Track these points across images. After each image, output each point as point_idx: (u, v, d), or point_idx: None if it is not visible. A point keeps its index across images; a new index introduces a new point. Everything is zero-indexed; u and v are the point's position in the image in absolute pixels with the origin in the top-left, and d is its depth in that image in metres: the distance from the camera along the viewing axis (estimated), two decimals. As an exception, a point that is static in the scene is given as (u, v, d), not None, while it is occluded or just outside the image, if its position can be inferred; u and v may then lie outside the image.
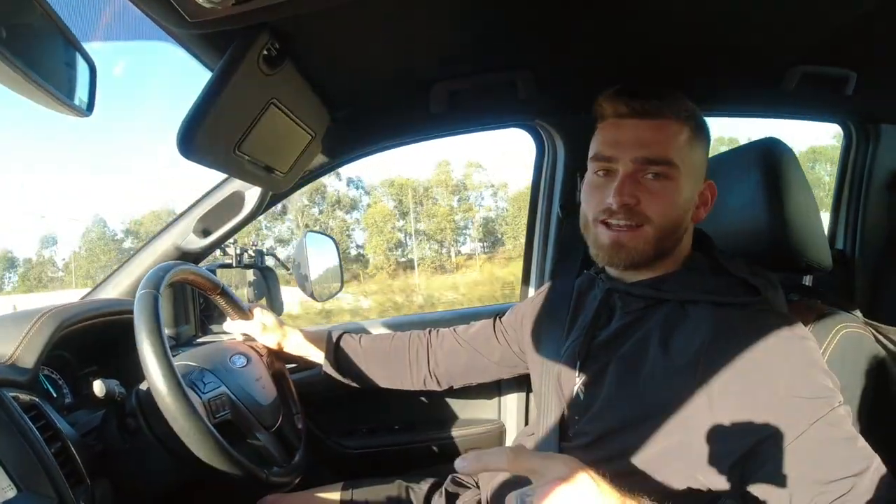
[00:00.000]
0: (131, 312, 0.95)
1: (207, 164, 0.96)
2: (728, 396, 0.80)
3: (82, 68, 0.77)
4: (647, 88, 0.94)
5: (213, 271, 1.58)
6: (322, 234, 1.65)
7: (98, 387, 0.97)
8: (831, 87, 1.38)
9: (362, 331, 1.60)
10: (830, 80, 1.36)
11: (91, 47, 0.81)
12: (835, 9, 1.05)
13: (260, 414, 1.10)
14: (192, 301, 1.61)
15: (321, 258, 1.60)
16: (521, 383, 1.59)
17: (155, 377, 0.90)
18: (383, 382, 1.34)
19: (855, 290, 1.75)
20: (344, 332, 1.36)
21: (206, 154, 0.93)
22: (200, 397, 1.02)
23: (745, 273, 0.91)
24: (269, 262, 1.71)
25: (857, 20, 1.09)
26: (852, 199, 1.76)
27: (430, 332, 1.35)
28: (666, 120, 0.92)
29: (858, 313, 1.07)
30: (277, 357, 1.33)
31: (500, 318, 1.31)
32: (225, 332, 1.41)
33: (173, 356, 1.34)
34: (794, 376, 0.79)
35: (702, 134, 0.96)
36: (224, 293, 1.24)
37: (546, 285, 1.28)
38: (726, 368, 0.81)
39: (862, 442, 0.77)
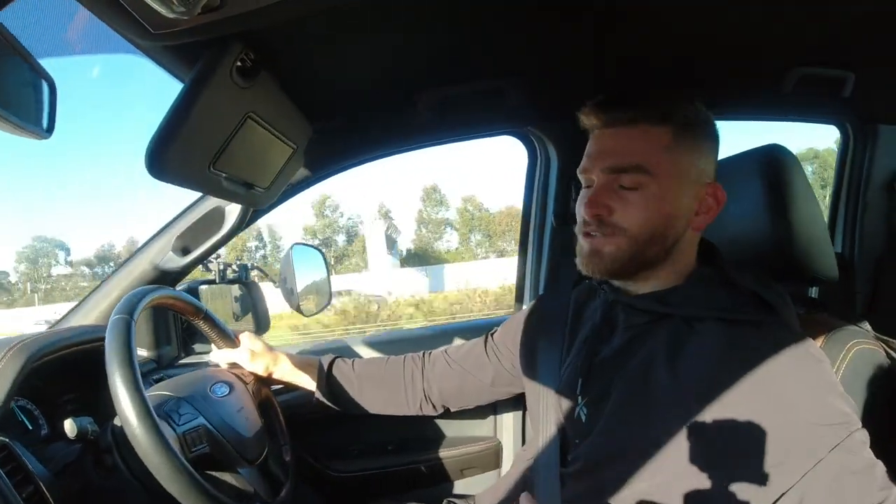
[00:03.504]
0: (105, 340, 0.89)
1: (180, 184, 0.90)
2: (742, 422, 0.77)
3: (40, 87, 0.72)
4: (622, 97, 0.91)
5: (196, 288, 1.53)
6: (310, 246, 1.60)
7: (69, 427, 0.92)
8: (829, 89, 1.36)
9: (352, 351, 1.55)
10: (828, 81, 1.34)
11: (53, 63, 0.76)
12: (832, 11, 1.02)
13: (242, 447, 1.03)
14: (174, 320, 1.55)
15: (308, 271, 1.55)
16: (518, 398, 1.52)
17: (125, 409, 0.84)
18: (378, 408, 1.29)
19: (855, 293, 1.72)
20: (336, 357, 1.30)
21: (179, 173, 0.87)
22: (175, 430, 0.96)
23: (756, 287, 0.87)
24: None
25: (854, 21, 1.07)
26: (850, 202, 1.73)
27: (423, 354, 1.30)
28: (638, 127, 0.88)
29: (867, 325, 1.03)
30: (265, 383, 1.27)
31: (491, 335, 1.26)
32: (210, 352, 1.35)
33: (155, 378, 1.29)
34: (811, 402, 0.76)
35: (692, 135, 0.90)
36: (207, 318, 1.17)
37: (539, 298, 1.23)
38: (740, 392, 0.77)
39: (881, 469, 0.74)
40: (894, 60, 1.25)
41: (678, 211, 0.89)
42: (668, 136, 0.87)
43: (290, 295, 1.48)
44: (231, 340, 1.24)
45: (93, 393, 1.17)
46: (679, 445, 0.80)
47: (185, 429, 0.97)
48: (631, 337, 0.91)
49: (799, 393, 0.76)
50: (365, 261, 47.33)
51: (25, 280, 55.56)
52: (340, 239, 54.06)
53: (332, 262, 51.11)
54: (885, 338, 1.00)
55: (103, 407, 1.00)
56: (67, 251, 58.83)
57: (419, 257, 50.38)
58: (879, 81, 1.38)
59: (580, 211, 0.92)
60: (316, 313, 1.58)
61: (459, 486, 1.57)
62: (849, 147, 1.70)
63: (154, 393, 1.04)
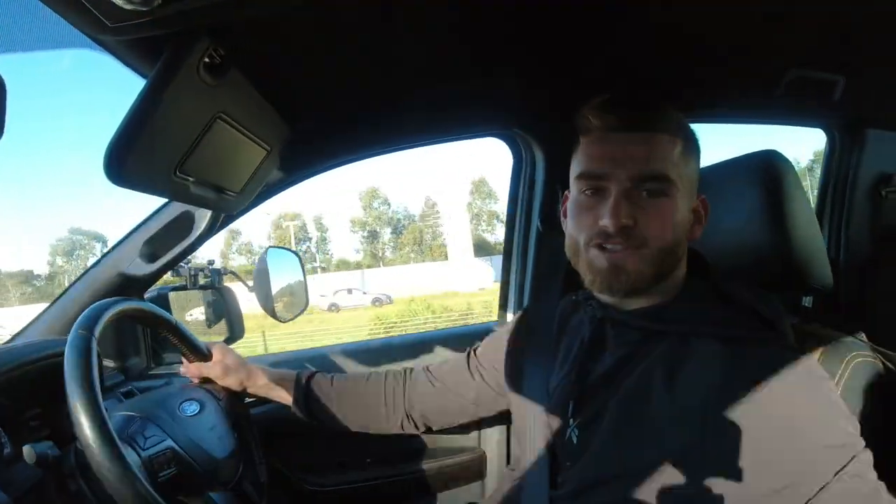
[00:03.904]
0: None
1: (143, 190, 0.83)
2: (744, 444, 0.73)
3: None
4: (636, 98, 0.86)
5: (165, 295, 1.46)
6: (285, 249, 1.56)
7: (28, 453, 0.85)
8: (819, 92, 1.34)
9: (331, 361, 1.50)
10: (818, 84, 1.32)
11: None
12: (824, 15, 1.00)
13: (214, 469, 0.97)
14: (143, 329, 1.48)
15: (284, 275, 1.49)
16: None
17: (86, 436, 0.78)
18: (357, 426, 1.24)
19: (840, 297, 1.70)
20: (314, 372, 1.24)
21: (141, 178, 0.81)
22: (139, 454, 0.90)
23: (753, 301, 0.83)
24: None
25: (845, 25, 1.05)
26: (836, 206, 1.71)
27: (405, 370, 1.25)
28: (659, 132, 0.83)
29: (863, 336, 1.00)
30: (239, 398, 1.21)
31: (474, 351, 1.21)
32: (180, 363, 1.28)
33: (122, 391, 1.23)
34: (816, 424, 0.73)
35: (693, 147, 0.88)
36: (177, 331, 1.11)
37: (524, 311, 1.18)
38: (743, 413, 0.74)
39: (885, 493, 0.71)
40: (884, 64, 1.23)
41: (687, 222, 0.86)
42: (681, 144, 0.84)
43: (265, 300, 1.42)
44: (202, 353, 1.17)
45: (57, 409, 1.11)
46: (677, 468, 0.76)
47: (151, 452, 0.92)
48: (623, 355, 0.86)
49: (803, 414, 0.73)
50: (416, 252, 48.74)
51: (62, 273, 54.53)
52: (387, 231, 54.52)
53: (381, 255, 51.33)
54: (882, 349, 0.98)
55: (69, 425, 0.94)
56: (104, 243, 58.07)
57: (478, 248, 50.67)
58: (868, 85, 1.36)
59: (591, 221, 0.85)
60: (291, 319, 1.53)
61: (443, 500, 1.52)
62: (835, 151, 1.68)
63: (119, 414, 0.98)
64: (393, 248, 52.97)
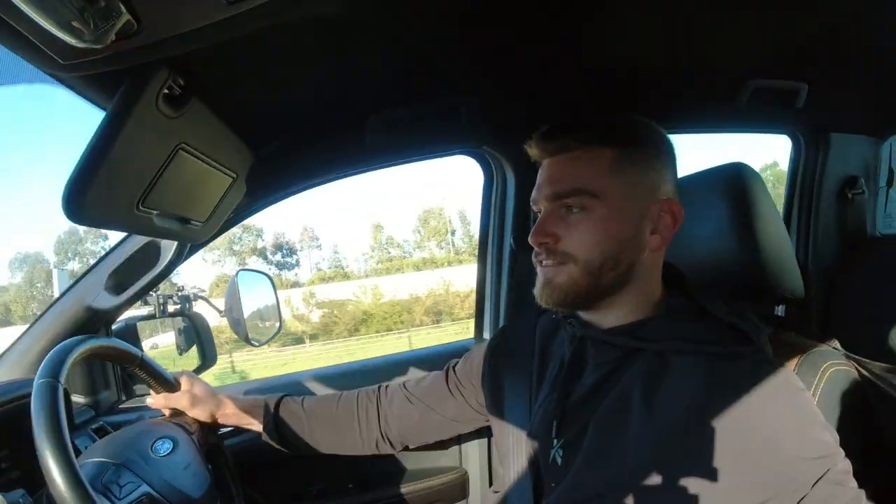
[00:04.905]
0: None
1: (104, 226, 0.82)
2: (725, 458, 0.74)
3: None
4: (563, 126, 0.89)
5: (134, 325, 1.42)
6: (256, 271, 1.53)
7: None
8: (783, 100, 1.36)
9: (303, 387, 1.47)
10: (782, 92, 1.33)
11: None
12: (786, 24, 1.01)
13: None
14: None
15: (255, 297, 1.47)
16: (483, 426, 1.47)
17: (59, 490, 0.75)
18: (332, 448, 1.21)
19: (810, 301, 1.72)
20: (284, 396, 1.21)
21: (102, 214, 0.79)
22: None
23: (731, 317, 0.83)
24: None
25: (808, 33, 1.06)
26: (803, 210, 1.73)
27: (379, 388, 1.22)
28: (577, 152, 0.86)
29: (836, 343, 1.01)
30: (211, 429, 1.17)
31: (453, 368, 1.19)
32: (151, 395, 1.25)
33: (94, 427, 1.19)
34: (795, 436, 0.73)
35: (639, 153, 0.87)
36: (144, 364, 1.07)
37: (502, 329, 1.17)
38: (722, 427, 0.75)
39: (865, 501, 0.72)
40: (847, 69, 1.25)
41: (630, 232, 0.85)
42: (609, 156, 0.85)
43: (237, 325, 1.40)
44: (171, 385, 1.14)
45: (27, 451, 1.07)
46: (658, 486, 0.76)
47: (127, 501, 0.88)
48: (603, 374, 0.86)
49: (782, 427, 0.74)
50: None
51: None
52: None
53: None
54: (856, 357, 0.99)
55: (39, 467, 0.91)
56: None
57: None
58: (832, 90, 1.37)
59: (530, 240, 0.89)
60: (265, 342, 1.50)
61: (426, 522, 1.50)
62: (800, 156, 1.70)
63: (91, 460, 0.94)
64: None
